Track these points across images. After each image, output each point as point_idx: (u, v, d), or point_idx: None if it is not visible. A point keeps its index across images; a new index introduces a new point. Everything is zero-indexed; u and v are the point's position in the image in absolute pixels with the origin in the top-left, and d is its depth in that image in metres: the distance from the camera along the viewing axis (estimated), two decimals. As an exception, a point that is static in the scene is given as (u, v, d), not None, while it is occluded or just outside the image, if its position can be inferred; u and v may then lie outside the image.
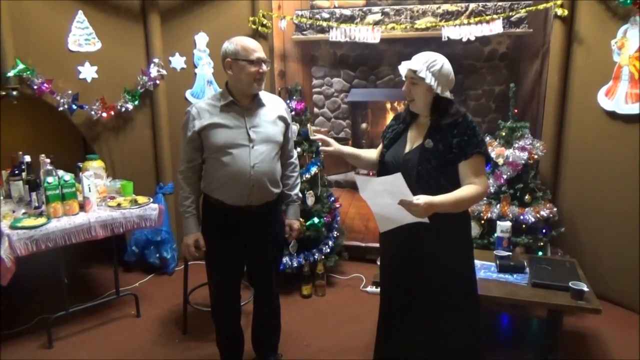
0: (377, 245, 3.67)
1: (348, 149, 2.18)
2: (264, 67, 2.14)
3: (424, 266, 1.92)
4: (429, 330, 1.97)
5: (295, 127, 3.31)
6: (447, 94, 1.86)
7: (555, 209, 3.17)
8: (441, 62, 1.84)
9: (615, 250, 3.17)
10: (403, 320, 2.03)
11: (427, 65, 1.82)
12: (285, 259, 3.34)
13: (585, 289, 2.30)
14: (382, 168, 2.00)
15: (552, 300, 2.32)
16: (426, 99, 1.87)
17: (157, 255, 3.79)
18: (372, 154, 2.18)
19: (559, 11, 3.19)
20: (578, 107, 3.30)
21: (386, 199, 1.75)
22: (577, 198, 3.36)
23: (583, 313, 2.75)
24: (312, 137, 2.09)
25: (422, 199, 1.68)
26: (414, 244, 1.91)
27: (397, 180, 1.68)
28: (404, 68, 1.89)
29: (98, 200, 3.03)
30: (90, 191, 2.88)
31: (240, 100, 2.17)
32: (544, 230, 3.13)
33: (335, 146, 2.09)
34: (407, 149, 1.93)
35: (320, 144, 2.12)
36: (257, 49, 2.12)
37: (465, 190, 1.81)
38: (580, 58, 3.25)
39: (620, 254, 3.15)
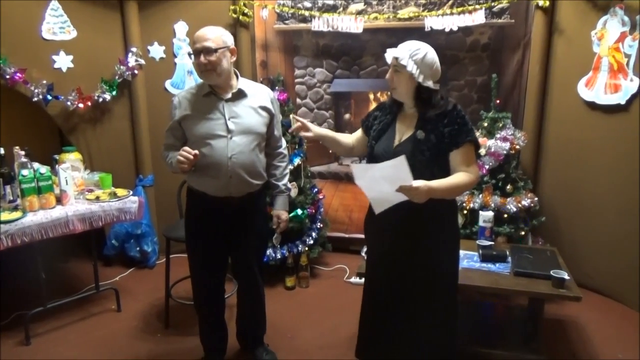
0: (361, 236, 3.67)
1: (326, 132, 2.15)
2: (202, 59, 2.03)
3: (413, 258, 1.93)
4: (410, 321, 1.98)
5: (279, 117, 3.26)
6: (430, 83, 1.84)
7: (536, 199, 3.21)
8: (425, 51, 1.83)
9: (594, 239, 3.23)
10: (386, 311, 2.03)
11: (410, 53, 1.82)
12: (269, 251, 3.31)
13: (566, 277, 2.33)
14: (372, 160, 1.98)
15: (533, 288, 2.35)
16: (407, 87, 1.86)
17: (138, 248, 3.74)
18: (348, 139, 2.17)
19: (541, 2, 3.21)
20: (559, 97, 3.34)
21: (384, 185, 1.74)
22: (557, 187, 3.40)
23: (564, 301, 2.79)
24: (292, 125, 2.04)
25: (421, 183, 1.69)
26: (404, 236, 1.91)
27: (400, 164, 1.67)
28: (389, 55, 1.88)
29: (76, 193, 2.96)
30: (67, 184, 2.81)
31: (218, 91, 2.14)
32: (525, 221, 3.16)
33: (315, 130, 2.05)
34: (397, 141, 1.92)
35: (299, 131, 2.07)
36: (198, 39, 2.05)
37: (459, 177, 1.82)
38: (561, 49, 3.28)
39: (598, 243, 3.21)
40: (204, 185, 2.18)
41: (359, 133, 2.16)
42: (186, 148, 2.03)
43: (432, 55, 1.84)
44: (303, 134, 2.03)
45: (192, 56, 2.09)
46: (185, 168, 2.03)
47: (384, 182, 1.73)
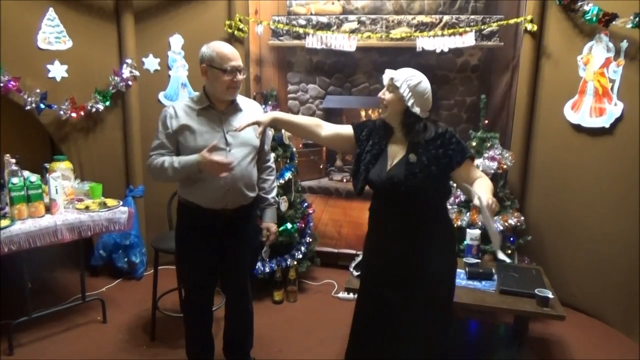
0: (350, 251, 3.70)
1: (282, 116, 2.13)
2: (239, 77, 2.13)
3: (415, 274, 1.96)
4: (406, 338, 1.98)
5: (270, 133, 3.30)
6: (417, 110, 1.89)
7: (522, 218, 3.26)
8: (419, 79, 1.90)
9: (579, 259, 3.28)
10: (380, 327, 2.03)
11: (406, 77, 1.89)
12: (258, 265, 3.31)
13: (551, 295, 2.36)
14: (367, 185, 2.01)
15: (518, 306, 2.38)
16: (396, 108, 1.92)
17: (126, 259, 3.71)
18: (311, 120, 2.13)
19: (529, 26, 3.29)
20: (545, 119, 3.41)
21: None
22: (544, 207, 3.45)
23: (548, 319, 2.83)
24: (240, 129, 2.04)
25: (484, 196, 1.75)
26: (407, 253, 1.96)
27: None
28: (386, 75, 1.94)
29: (65, 202, 2.95)
30: (57, 193, 2.80)
31: (217, 105, 2.18)
32: (511, 239, 3.20)
33: (264, 121, 2.03)
34: (389, 165, 1.95)
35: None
36: (232, 58, 2.11)
37: (485, 178, 1.92)
38: (548, 72, 3.36)
39: (583, 263, 3.25)
40: (200, 197, 2.18)
41: (343, 130, 2.11)
42: (216, 156, 2.03)
43: (425, 85, 1.91)
44: (259, 129, 2.03)
45: (218, 72, 2.08)
46: (217, 173, 2.04)
47: None
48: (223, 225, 2.24)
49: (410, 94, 1.87)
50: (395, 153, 1.96)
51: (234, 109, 2.21)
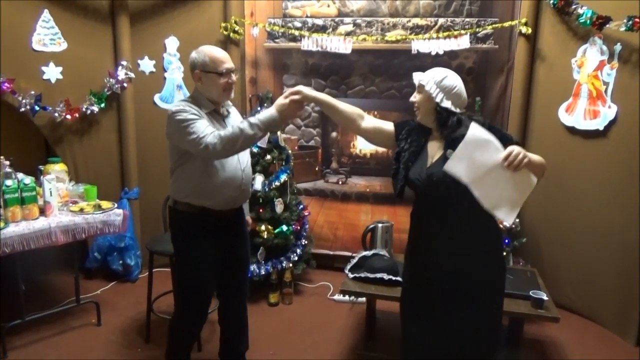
0: (346, 253, 3.68)
1: (323, 97, 2.02)
2: (233, 78, 2.15)
3: (463, 282, 1.88)
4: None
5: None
6: (448, 104, 1.86)
7: (517, 220, 3.27)
8: (445, 74, 1.87)
9: (573, 261, 3.29)
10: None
11: (433, 75, 1.87)
12: (253, 267, 3.31)
13: (545, 297, 2.37)
14: (406, 185, 1.95)
15: (513, 308, 2.38)
16: (427, 108, 1.89)
17: (121, 261, 3.70)
18: (353, 109, 2.05)
19: (524, 29, 3.31)
20: (540, 121, 3.42)
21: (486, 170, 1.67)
22: (539, 209, 3.46)
23: (543, 321, 2.84)
24: (284, 100, 1.99)
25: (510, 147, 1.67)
26: (453, 262, 1.88)
27: (479, 131, 1.66)
28: (415, 77, 1.92)
29: (60, 204, 2.93)
30: (51, 195, 2.79)
31: (218, 108, 2.21)
32: (506, 241, 3.21)
33: (305, 93, 1.97)
34: (429, 162, 1.90)
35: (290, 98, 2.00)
36: (225, 60, 2.12)
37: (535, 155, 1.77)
38: (542, 74, 3.38)
39: (578, 264, 3.27)
40: (211, 200, 2.15)
41: (384, 125, 2.05)
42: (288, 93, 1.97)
43: (452, 80, 1.87)
44: (293, 97, 1.98)
45: (213, 75, 2.09)
46: (298, 108, 2.01)
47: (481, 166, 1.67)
48: (227, 226, 2.26)
49: (437, 89, 1.85)
50: (435, 151, 1.92)
51: (227, 112, 2.26)
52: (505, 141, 1.77)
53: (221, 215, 2.21)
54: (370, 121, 2.05)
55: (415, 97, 1.93)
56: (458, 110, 1.88)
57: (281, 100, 1.99)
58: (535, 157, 1.74)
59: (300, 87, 2.00)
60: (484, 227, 1.89)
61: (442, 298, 1.89)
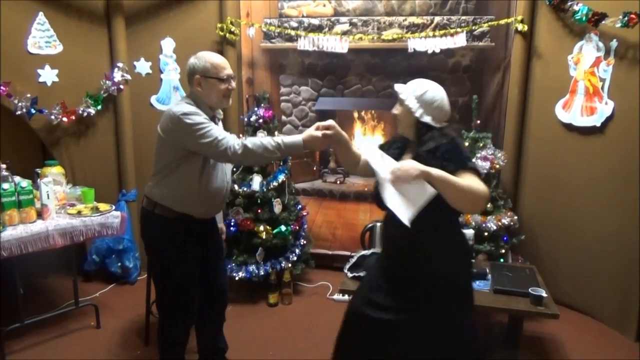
0: (344, 253, 3.67)
1: (346, 137, 2.01)
2: (233, 84, 2.16)
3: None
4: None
5: (262, 135, 3.31)
6: (428, 119, 1.83)
7: (515, 217, 3.27)
8: (425, 88, 1.84)
9: (572, 257, 3.29)
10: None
11: (413, 88, 1.85)
12: (252, 267, 3.31)
13: (544, 294, 2.37)
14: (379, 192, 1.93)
15: (512, 306, 2.39)
16: (407, 121, 1.88)
17: (119, 264, 3.69)
18: (358, 153, 2.08)
19: (520, 27, 3.31)
20: (537, 119, 3.43)
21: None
22: (537, 206, 3.47)
23: (542, 318, 2.84)
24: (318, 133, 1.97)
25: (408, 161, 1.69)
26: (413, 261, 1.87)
27: (374, 154, 1.74)
28: (397, 89, 1.90)
29: (57, 207, 2.93)
30: (48, 198, 2.78)
31: (215, 115, 2.23)
32: (505, 238, 3.21)
33: (338, 130, 1.96)
34: None
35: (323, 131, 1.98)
36: (225, 66, 2.14)
37: (462, 179, 1.70)
38: (539, 72, 3.38)
39: (576, 261, 3.27)
40: (196, 208, 2.16)
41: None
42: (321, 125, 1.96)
43: (433, 93, 1.84)
44: (326, 132, 1.96)
45: (214, 81, 2.10)
46: (325, 143, 1.97)
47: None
48: (203, 233, 2.29)
49: (417, 104, 1.83)
50: None
51: (217, 120, 2.27)
52: (457, 165, 1.73)
53: (199, 222, 2.22)
54: (362, 158, 2.07)
55: (396, 110, 1.91)
56: (438, 125, 1.85)
57: (313, 133, 1.95)
58: (442, 174, 1.67)
59: (333, 123, 1.97)
60: (442, 246, 1.83)
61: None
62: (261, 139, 2.00)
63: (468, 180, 1.70)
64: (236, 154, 1.97)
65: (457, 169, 1.73)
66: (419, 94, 1.83)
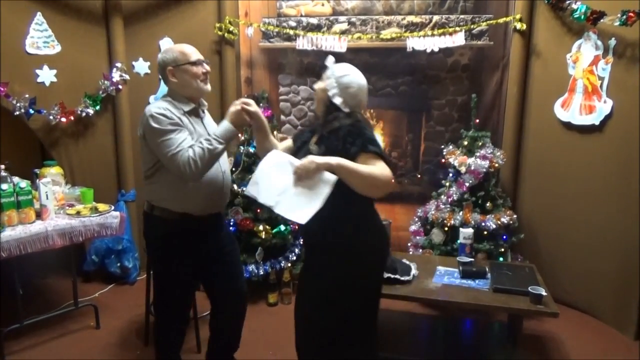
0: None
1: (265, 121, 2.07)
2: (207, 67, 2.14)
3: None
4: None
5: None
6: (338, 101, 1.86)
7: (515, 216, 3.27)
8: (347, 72, 1.89)
9: (571, 256, 3.29)
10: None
11: (336, 69, 1.90)
12: (252, 267, 3.31)
13: (544, 293, 2.37)
14: None
15: (512, 304, 2.38)
16: (320, 97, 1.93)
17: (118, 264, 3.69)
18: (275, 141, 2.12)
19: (518, 25, 3.31)
20: (536, 117, 3.43)
21: (284, 181, 1.81)
22: (536, 205, 3.47)
23: (542, 317, 2.84)
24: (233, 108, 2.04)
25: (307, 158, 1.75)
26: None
27: (274, 158, 1.82)
28: (327, 62, 1.94)
29: (56, 208, 2.92)
30: (47, 199, 2.78)
31: (197, 107, 2.17)
32: (504, 237, 3.22)
33: (255, 106, 2.02)
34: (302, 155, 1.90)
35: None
36: (194, 51, 2.13)
37: (361, 165, 1.74)
38: (538, 70, 3.38)
39: (576, 259, 3.27)
40: (193, 205, 2.10)
41: (288, 143, 2.13)
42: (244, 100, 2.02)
43: (352, 79, 1.88)
44: (243, 105, 2.01)
45: (187, 67, 2.08)
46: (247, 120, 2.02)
47: (280, 176, 1.82)
48: (208, 233, 2.22)
49: (335, 84, 1.86)
50: (312, 143, 1.95)
51: (202, 112, 2.22)
52: (359, 148, 1.76)
53: (202, 221, 2.15)
54: (282, 144, 2.13)
55: (316, 85, 1.95)
56: (347, 110, 1.87)
57: (231, 109, 2.02)
58: (349, 165, 1.71)
59: (252, 101, 2.03)
60: (344, 230, 1.86)
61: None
62: (200, 145, 1.98)
63: (370, 166, 1.72)
64: (193, 172, 1.96)
65: (359, 152, 1.76)
66: (339, 75, 1.88)
